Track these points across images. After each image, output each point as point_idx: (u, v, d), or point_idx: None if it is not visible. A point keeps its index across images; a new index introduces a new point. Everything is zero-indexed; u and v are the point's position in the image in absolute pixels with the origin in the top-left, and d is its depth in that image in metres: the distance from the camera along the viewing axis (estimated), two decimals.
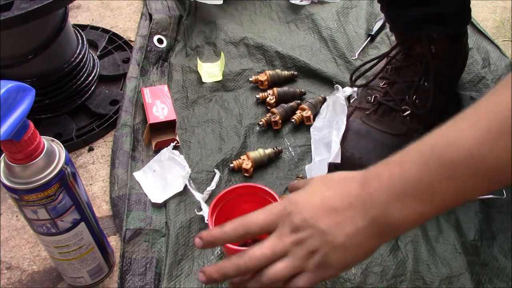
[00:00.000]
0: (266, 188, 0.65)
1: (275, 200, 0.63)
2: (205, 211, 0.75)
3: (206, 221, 0.72)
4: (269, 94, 0.93)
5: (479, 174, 0.43)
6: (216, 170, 0.82)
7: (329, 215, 0.50)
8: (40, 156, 0.54)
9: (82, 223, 0.62)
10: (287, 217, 0.51)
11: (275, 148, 0.84)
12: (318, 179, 0.55)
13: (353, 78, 0.90)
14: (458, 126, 0.44)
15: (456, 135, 0.43)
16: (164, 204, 0.78)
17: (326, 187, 0.52)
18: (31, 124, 0.53)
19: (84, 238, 0.64)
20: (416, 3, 0.80)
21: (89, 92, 0.97)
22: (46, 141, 0.56)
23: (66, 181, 0.57)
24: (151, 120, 0.86)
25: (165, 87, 0.93)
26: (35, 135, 0.54)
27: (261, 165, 0.83)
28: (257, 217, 0.53)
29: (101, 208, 0.81)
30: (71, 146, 0.90)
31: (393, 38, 0.93)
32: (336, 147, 0.78)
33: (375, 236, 0.49)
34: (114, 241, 0.77)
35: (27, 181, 0.54)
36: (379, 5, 0.88)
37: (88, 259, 0.66)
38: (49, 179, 0.55)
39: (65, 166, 0.57)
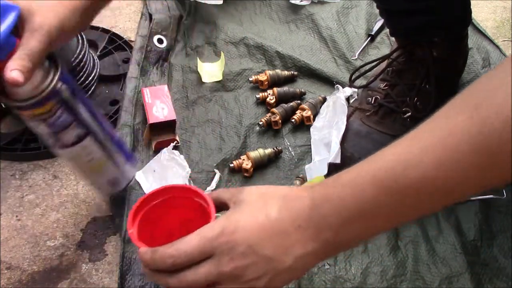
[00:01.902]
0: (197, 190, 0.55)
1: (206, 202, 0.53)
2: None
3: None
4: (269, 94, 0.93)
5: (436, 194, 0.43)
6: (216, 170, 0.82)
7: (276, 239, 0.46)
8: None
9: (88, 138, 0.62)
10: (226, 244, 0.46)
11: (275, 148, 0.84)
12: (254, 194, 0.49)
13: (353, 79, 0.90)
14: (412, 149, 0.43)
15: (411, 158, 0.42)
16: None
17: (269, 205, 0.47)
18: (18, 42, 0.51)
19: (93, 152, 0.64)
20: (417, 12, 0.79)
21: (89, 92, 0.97)
22: None
23: (62, 98, 0.56)
24: (151, 120, 0.85)
25: (165, 87, 0.93)
26: None
27: (261, 165, 0.83)
28: (187, 245, 0.46)
29: (101, 208, 0.81)
30: None
31: (393, 38, 0.93)
32: (336, 147, 0.78)
33: (323, 255, 0.48)
34: (114, 241, 0.77)
35: (21, 98, 0.53)
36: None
37: (101, 170, 0.67)
38: (41, 98, 0.54)
39: (60, 84, 0.55)
